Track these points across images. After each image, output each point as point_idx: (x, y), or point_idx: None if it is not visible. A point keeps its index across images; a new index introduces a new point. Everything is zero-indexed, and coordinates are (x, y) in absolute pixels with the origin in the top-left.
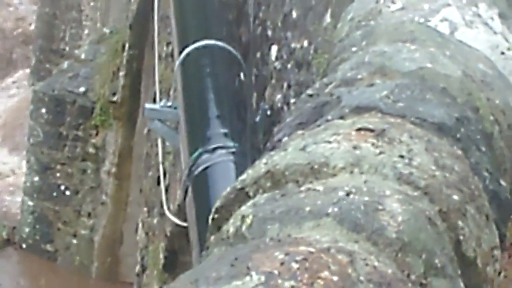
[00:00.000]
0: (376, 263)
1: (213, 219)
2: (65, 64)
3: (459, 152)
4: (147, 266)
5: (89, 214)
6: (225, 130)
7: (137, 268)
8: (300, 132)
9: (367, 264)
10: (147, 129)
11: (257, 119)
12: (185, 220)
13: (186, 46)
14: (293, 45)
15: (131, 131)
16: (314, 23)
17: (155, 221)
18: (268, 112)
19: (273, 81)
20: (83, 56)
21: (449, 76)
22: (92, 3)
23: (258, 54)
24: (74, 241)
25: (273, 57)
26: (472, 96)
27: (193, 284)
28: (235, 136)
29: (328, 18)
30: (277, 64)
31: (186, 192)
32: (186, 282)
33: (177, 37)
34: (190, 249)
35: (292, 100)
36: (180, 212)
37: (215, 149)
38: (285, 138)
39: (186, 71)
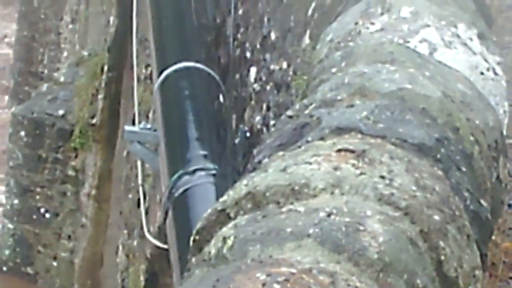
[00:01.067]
0: (358, 284)
1: (194, 240)
2: (44, 87)
3: (440, 172)
4: None
5: (69, 237)
6: (205, 152)
7: None
8: (280, 153)
9: (349, 285)
10: (127, 151)
11: (237, 141)
12: (165, 242)
13: (165, 69)
14: (272, 66)
15: (110, 154)
16: (293, 44)
17: (135, 243)
18: (248, 134)
19: (252, 102)
20: (62, 79)
21: (428, 96)
22: (70, 26)
23: (237, 76)
24: (55, 264)
25: (252, 79)
26: (452, 117)
27: None
28: (215, 158)
29: (307, 40)
30: (256, 86)
31: (166, 214)
32: None
33: (156, 59)
34: (171, 271)
35: (272, 122)
36: (160, 234)
37: (195, 171)
38: (266, 160)
39: (165, 93)
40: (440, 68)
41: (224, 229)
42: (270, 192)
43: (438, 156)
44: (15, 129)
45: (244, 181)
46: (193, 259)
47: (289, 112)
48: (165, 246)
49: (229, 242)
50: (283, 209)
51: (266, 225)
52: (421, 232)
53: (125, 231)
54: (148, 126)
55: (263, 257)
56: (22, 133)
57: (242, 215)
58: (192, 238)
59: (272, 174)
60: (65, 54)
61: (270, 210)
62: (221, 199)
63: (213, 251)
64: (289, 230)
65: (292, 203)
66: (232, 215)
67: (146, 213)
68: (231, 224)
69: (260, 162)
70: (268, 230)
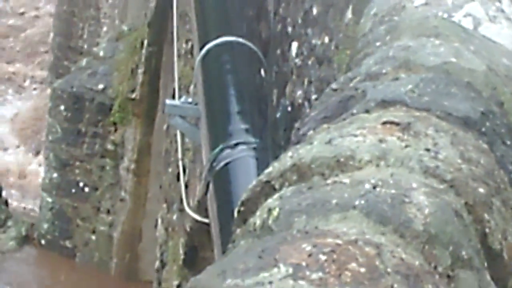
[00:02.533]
0: (403, 255)
1: (239, 212)
2: (84, 62)
3: (485, 145)
4: (166, 262)
5: (108, 211)
6: (246, 126)
7: (157, 264)
8: (325, 125)
9: (394, 256)
10: (166, 125)
11: (278, 115)
12: (205, 216)
13: (207, 43)
14: (313, 41)
15: (150, 128)
16: (335, 19)
17: (174, 217)
18: (289, 108)
19: (294, 77)
20: (101, 54)
21: (473, 70)
22: (110, 1)
23: (279, 51)
24: (93, 238)
25: (293, 54)
26: (496, 91)
27: (221, 275)
28: (256, 132)
29: (349, 14)
30: (298, 61)
31: (207, 187)
32: (214, 274)
33: (197, 34)
34: (211, 245)
35: (313, 96)
36: (200, 208)
37: (236, 144)
38: (310, 132)
39: (206, 67)
40: (484, 43)
41: (269, 200)
42: (315, 164)
43: (483, 129)
44: (55, 103)
45: (289, 153)
46: (238, 231)
47: (333, 85)
48: (205, 220)
49: (275, 213)
50: (328, 181)
51: (312, 196)
52: (466, 205)
53: (165, 205)
54: (189, 100)
55: (309, 228)
56: (62, 108)
57: (287, 186)
58: (236, 210)
59: (317, 146)
60: (104, 28)
61: (315, 182)
62: (266, 171)
63: (258, 222)
64: (334, 201)
65: (337, 175)
66: (277, 186)
67: (186, 187)
68: (276, 196)
69: (305, 134)
70: (314, 202)
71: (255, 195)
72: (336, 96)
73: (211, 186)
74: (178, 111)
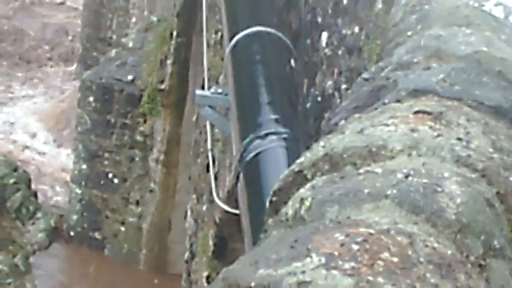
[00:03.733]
0: (435, 245)
1: (271, 202)
2: (113, 53)
3: None
4: (196, 253)
5: (137, 202)
6: (276, 116)
7: (186, 255)
8: (357, 115)
9: (426, 246)
10: (196, 116)
11: (308, 105)
12: (234, 207)
13: (237, 33)
14: (343, 31)
15: (179, 119)
16: (365, 9)
17: (204, 208)
18: (319, 99)
19: (324, 67)
20: (130, 44)
21: (504, 59)
22: None
23: (308, 41)
24: (122, 229)
25: (323, 44)
26: None
27: (253, 265)
28: (286, 122)
29: (379, 4)
30: (328, 51)
31: (237, 178)
32: (246, 264)
33: (227, 24)
34: (240, 236)
35: (343, 86)
36: (230, 199)
37: (266, 135)
38: (342, 122)
39: (236, 57)
40: None
41: (302, 190)
42: (347, 154)
43: None
44: (84, 95)
45: (321, 143)
46: (270, 220)
47: (365, 75)
48: (235, 211)
49: (307, 203)
50: (361, 171)
51: (344, 186)
52: (498, 194)
53: (194, 196)
54: (219, 90)
55: (341, 218)
56: (91, 99)
57: (320, 176)
58: (268, 200)
59: (349, 135)
60: (133, 19)
61: (348, 172)
62: (298, 161)
63: (290, 212)
64: (366, 191)
65: (369, 165)
66: (309, 176)
67: (215, 178)
68: (308, 185)
69: (336, 124)
70: (346, 191)
71: (287, 185)
72: (368, 85)
73: (241, 176)
74: (208, 102)
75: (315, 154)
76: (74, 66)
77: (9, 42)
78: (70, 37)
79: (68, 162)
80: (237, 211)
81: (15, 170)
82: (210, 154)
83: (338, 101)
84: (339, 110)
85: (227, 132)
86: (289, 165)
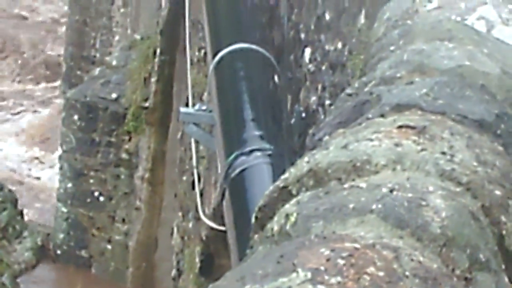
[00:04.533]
0: (421, 258)
1: (256, 218)
2: (97, 71)
3: (500, 148)
4: (183, 270)
5: (123, 220)
6: (261, 133)
7: (173, 272)
8: (341, 130)
9: (412, 260)
10: (181, 133)
11: (292, 121)
12: (220, 224)
13: (220, 50)
14: (327, 47)
15: (163, 136)
16: (348, 24)
17: (190, 225)
18: (303, 114)
19: (307, 83)
20: (114, 63)
21: (487, 73)
22: (122, 10)
23: (292, 57)
24: (109, 247)
25: (307, 60)
26: (511, 93)
27: (240, 281)
28: (271, 139)
29: (362, 19)
30: (311, 66)
31: (223, 195)
32: (233, 280)
33: (210, 41)
34: (227, 252)
35: (327, 102)
36: (215, 216)
37: (251, 151)
38: (326, 137)
39: (220, 74)
40: (498, 45)
41: (287, 206)
42: (332, 169)
43: (498, 131)
44: (68, 113)
45: (306, 158)
46: (256, 236)
47: (348, 90)
48: (221, 228)
49: (292, 218)
50: (345, 186)
51: (329, 201)
52: (483, 207)
53: (180, 213)
54: (204, 107)
55: (327, 233)
56: (75, 117)
57: (304, 191)
58: (254, 216)
59: (333, 151)
60: (117, 38)
61: (332, 187)
62: (282, 176)
63: (276, 228)
64: (351, 206)
65: (354, 180)
66: (294, 192)
67: (201, 195)
68: (293, 201)
69: (320, 139)
70: (331, 206)
71: (272, 200)
72: (351, 101)
73: (226, 193)
74: (193, 119)
75: (299, 169)
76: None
77: None
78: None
79: (54, 180)
80: (223, 228)
81: (1, 189)
82: (195, 171)
83: (322, 116)
84: (323, 125)
85: (212, 149)
86: (274, 181)
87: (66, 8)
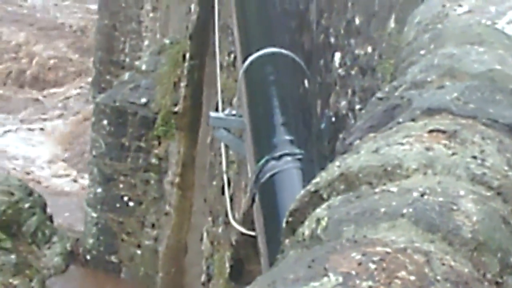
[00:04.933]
0: (452, 263)
1: (287, 222)
2: (126, 76)
3: None
4: (212, 275)
5: (153, 225)
6: (291, 137)
7: (203, 277)
8: (372, 135)
9: (443, 264)
10: (210, 138)
11: (322, 126)
12: (250, 228)
13: (250, 55)
14: (356, 51)
15: (193, 141)
16: (378, 29)
17: (220, 230)
18: (333, 119)
19: (337, 87)
20: (143, 67)
21: None
22: (151, 14)
23: (322, 61)
24: (139, 252)
25: (336, 64)
26: None
27: (271, 286)
28: (301, 143)
29: (392, 24)
30: (341, 71)
31: (253, 199)
32: (264, 285)
33: (240, 46)
34: (257, 257)
35: (357, 107)
36: (245, 221)
37: (281, 156)
38: (357, 141)
39: (250, 79)
40: None
41: (318, 210)
42: (363, 173)
43: None
44: (98, 118)
45: (337, 163)
46: (287, 241)
47: (379, 94)
48: (251, 233)
49: (323, 223)
50: (376, 190)
51: (360, 205)
52: None
53: (210, 218)
54: (234, 112)
55: (358, 237)
56: (105, 122)
57: (335, 196)
58: (285, 220)
59: (364, 155)
60: (146, 42)
61: (363, 191)
62: (314, 181)
63: (307, 232)
64: (383, 210)
65: (385, 184)
66: (325, 196)
67: (231, 199)
68: (324, 205)
69: (351, 144)
70: (362, 211)
71: (303, 205)
72: (382, 105)
73: (257, 198)
74: (223, 124)
75: (330, 174)
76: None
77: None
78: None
79: (83, 185)
80: (253, 233)
81: (30, 194)
82: (225, 176)
83: (352, 121)
84: (354, 129)
85: (241, 153)
86: (304, 186)
87: None
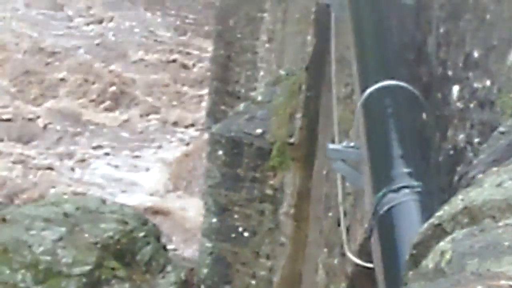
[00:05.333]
0: None
1: (411, 255)
2: (241, 106)
3: None
4: None
5: (267, 255)
6: (409, 170)
7: None
8: (495, 169)
9: None
10: (326, 170)
11: (440, 158)
12: (366, 261)
13: (368, 87)
14: (475, 84)
15: (308, 172)
16: (497, 62)
17: (335, 261)
18: (451, 152)
19: (455, 121)
20: (259, 98)
21: None
22: (267, 45)
23: (439, 94)
24: (253, 282)
25: (454, 97)
26: None
27: None
28: (419, 176)
29: (511, 57)
30: (459, 104)
31: (371, 231)
32: None
33: (358, 78)
34: None
35: (476, 140)
36: (361, 252)
37: (399, 188)
38: (480, 175)
39: (368, 111)
40: None
41: (442, 243)
42: (486, 207)
43: None
44: (213, 148)
45: (460, 196)
46: (410, 273)
47: (501, 129)
48: (367, 264)
49: (447, 256)
50: (500, 224)
51: (484, 239)
52: None
53: (325, 249)
54: (351, 144)
55: (481, 270)
56: (220, 152)
57: (459, 229)
58: (408, 253)
59: (487, 189)
60: (261, 73)
61: (487, 225)
62: (437, 214)
63: (431, 265)
64: (506, 244)
65: (508, 218)
66: (448, 229)
67: (347, 231)
68: (448, 238)
69: (474, 177)
70: (486, 244)
71: (427, 238)
72: (504, 139)
73: (375, 230)
74: (340, 155)
75: (454, 207)
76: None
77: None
78: None
79: (197, 214)
80: (369, 264)
81: (145, 223)
82: (341, 207)
83: (471, 154)
84: (476, 163)
85: (358, 185)
86: (422, 219)
87: None
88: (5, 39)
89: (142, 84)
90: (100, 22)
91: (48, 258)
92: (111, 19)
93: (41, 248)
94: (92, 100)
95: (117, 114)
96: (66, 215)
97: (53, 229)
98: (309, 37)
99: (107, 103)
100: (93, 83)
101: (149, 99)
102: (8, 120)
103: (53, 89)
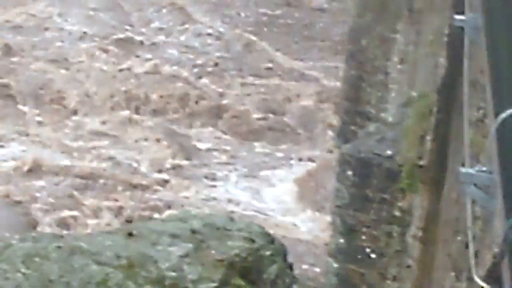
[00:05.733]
0: None
1: None
2: (372, 127)
3: None
4: None
5: (394, 278)
6: None
7: None
8: None
9: None
10: (456, 193)
11: None
12: (494, 286)
13: (502, 112)
14: None
15: (437, 195)
16: None
17: (463, 286)
18: None
19: None
20: (390, 119)
21: None
22: (399, 66)
23: None
24: None
25: None
26: None
27: None
28: None
29: None
30: None
31: (501, 257)
32: None
33: (492, 102)
34: None
35: None
36: (490, 278)
37: None
38: None
39: (503, 136)
40: None
41: None
42: None
43: None
44: (342, 168)
45: None
46: None
47: None
48: None
49: None
50: None
51: None
52: None
53: (452, 273)
54: (484, 168)
55: None
56: (350, 172)
57: None
58: None
59: None
60: (392, 94)
61: None
62: None
63: None
64: None
65: None
66: None
67: (475, 255)
68: None
69: None
70: None
71: None
72: None
73: (505, 255)
74: (472, 179)
75: None
76: None
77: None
78: None
79: (323, 234)
80: None
81: (272, 242)
82: (470, 231)
83: None
84: None
85: (488, 210)
86: None
87: None
88: None
89: None
90: None
91: (174, 274)
92: None
93: (167, 264)
94: None
95: None
96: (193, 231)
97: (180, 245)
98: (441, 59)
99: None
100: None
101: None
102: None
103: None
